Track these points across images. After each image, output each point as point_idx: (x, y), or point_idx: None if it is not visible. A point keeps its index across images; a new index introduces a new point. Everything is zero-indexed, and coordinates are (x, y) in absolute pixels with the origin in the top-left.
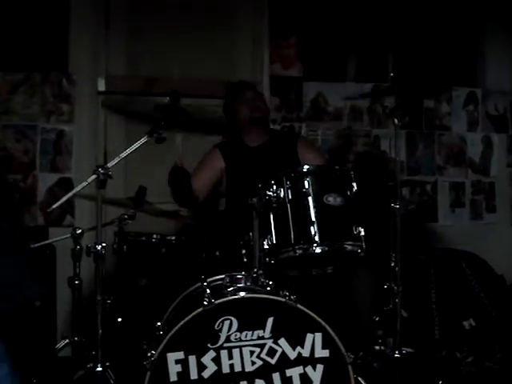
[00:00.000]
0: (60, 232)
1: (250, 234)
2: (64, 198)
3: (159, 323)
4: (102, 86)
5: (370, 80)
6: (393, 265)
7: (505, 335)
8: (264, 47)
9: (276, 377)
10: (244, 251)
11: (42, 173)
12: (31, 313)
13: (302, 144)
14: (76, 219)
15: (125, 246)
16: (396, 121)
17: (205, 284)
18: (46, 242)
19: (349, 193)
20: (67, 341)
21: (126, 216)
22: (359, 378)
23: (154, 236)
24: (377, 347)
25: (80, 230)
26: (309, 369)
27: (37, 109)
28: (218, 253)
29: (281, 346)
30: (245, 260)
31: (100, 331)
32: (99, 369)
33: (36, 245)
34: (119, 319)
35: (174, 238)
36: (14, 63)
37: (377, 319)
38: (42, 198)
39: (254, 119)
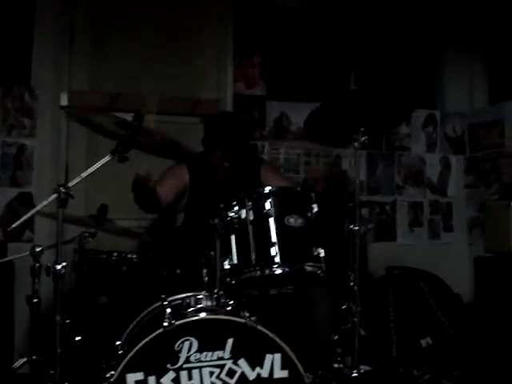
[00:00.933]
0: (19, 247)
1: (211, 253)
2: (24, 217)
3: (118, 342)
4: (64, 100)
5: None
6: (351, 284)
7: (461, 353)
8: (228, 65)
9: None
10: (205, 270)
11: (1, 187)
12: None
13: (266, 168)
14: (35, 234)
15: (84, 265)
16: (356, 144)
17: (165, 303)
18: (5, 259)
19: (309, 214)
20: (25, 359)
21: (86, 234)
22: None
23: (115, 254)
24: (335, 365)
25: (40, 248)
26: None
27: None
28: (178, 271)
29: (240, 367)
30: (206, 279)
31: (59, 350)
32: None
33: None
34: (77, 338)
35: (134, 256)
36: None
37: (335, 338)
38: (1, 212)
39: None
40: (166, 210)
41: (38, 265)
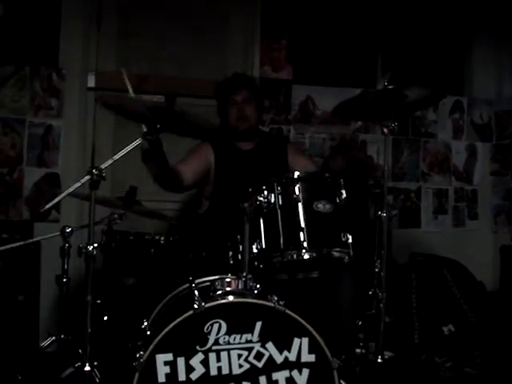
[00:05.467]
0: (45, 227)
1: (238, 236)
2: (58, 198)
3: (146, 323)
4: (91, 81)
5: (358, 84)
6: (377, 270)
7: (484, 341)
8: (255, 49)
9: (262, 380)
10: (231, 253)
11: (28, 167)
12: (14, 308)
13: (292, 149)
14: (61, 214)
15: (113, 246)
16: (385, 130)
17: (193, 286)
18: (35, 239)
19: (338, 200)
20: (53, 338)
21: (116, 215)
22: (342, 382)
23: (144, 236)
24: (358, 350)
25: (70, 229)
26: (295, 373)
27: (25, 102)
28: (204, 254)
29: (268, 350)
30: (231, 262)
31: (89, 330)
32: (87, 368)
33: (24, 242)
34: (105, 318)
35: (162, 238)
36: (3, 56)
37: (360, 323)
38: (28, 192)
39: (238, 132)
40: (187, 188)
41: (67, 245)
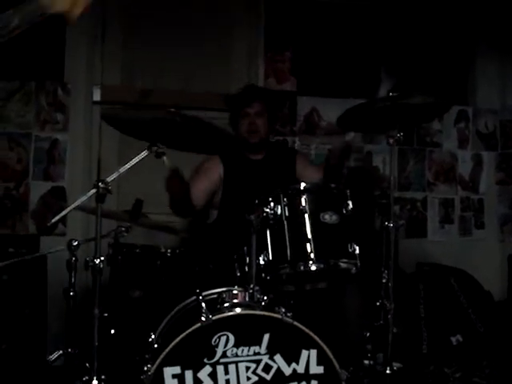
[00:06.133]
0: (51, 241)
1: (244, 248)
2: (64, 212)
3: (153, 336)
4: (97, 95)
5: (362, 95)
6: (384, 281)
7: (492, 351)
8: (259, 61)
9: None
10: (237, 265)
11: (34, 181)
12: (21, 321)
13: (301, 159)
14: (68, 228)
15: (119, 259)
16: (391, 141)
17: (200, 298)
18: (42, 253)
19: (344, 211)
20: (61, 352)
21: (122, 228)
22: None
23: (150, 248)
24: (366, 362)
25: (76, 242)
26: None
27: (31, 117)
28: (211, 266)
29: (276, 362)
30: (238, 274)
31: (96, 343)
32: (95, 382)
33: (30, 256)
34: (112, 331)
35: (169, 250)
36: (9, 71)
37: (367, 335)
38: (34, 206)
39: (249, 144)
40: (199, 211)
41: (74, 259)
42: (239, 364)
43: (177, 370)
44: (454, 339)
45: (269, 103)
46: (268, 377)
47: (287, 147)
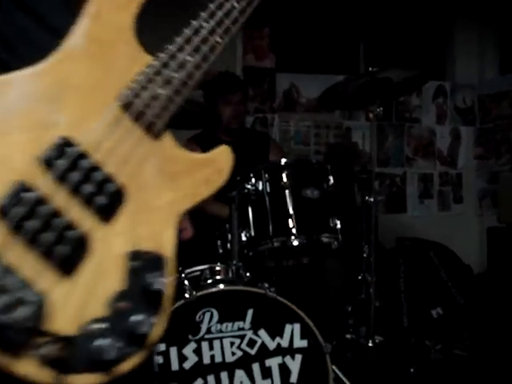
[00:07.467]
0: None
1: (226, 225)
2: None
3: None
4: None
5: (342, 71)
6: (365, 256)
7: (472, 323)
8: (237, 38)
9: (256, 367)
10: (219, 242)
11: None
12: None
13: (275, 147)
14: None
15: None
16: (371, 115)
17: (183, 275)
18: None
19: (325, 186)
20: None
21: None
22: (334, 367)
23: None
24: (348, 336)
25: None
26: (287, 359)
27: None
28: (194, 246)
29: (260, 337)
30: (220, 251)
31: None
32: None
33: None
34: None
35: None
36: None
37: (349, 309)
38: None
39: (230, 130)
40: None
41: None
42: (224, 340)
43: (162, 347)
44: (434, 312)
45: (247, 92)
46: (252, 351)
47: (261, 133)
